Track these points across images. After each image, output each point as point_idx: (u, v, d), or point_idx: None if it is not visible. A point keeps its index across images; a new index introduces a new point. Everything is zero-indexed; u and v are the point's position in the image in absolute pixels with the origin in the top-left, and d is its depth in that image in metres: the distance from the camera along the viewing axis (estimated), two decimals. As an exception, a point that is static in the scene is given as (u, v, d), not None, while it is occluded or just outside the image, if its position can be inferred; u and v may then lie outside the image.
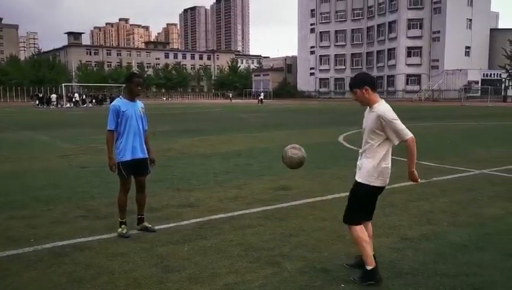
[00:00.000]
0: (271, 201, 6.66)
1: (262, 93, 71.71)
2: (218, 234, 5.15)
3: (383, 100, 3.84)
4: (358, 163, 3.95)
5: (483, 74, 71.26)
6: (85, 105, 56.14)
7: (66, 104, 54.20)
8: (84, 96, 61.67)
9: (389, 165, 3.86)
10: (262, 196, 7.01)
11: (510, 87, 66.26)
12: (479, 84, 68.97)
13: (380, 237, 4.99)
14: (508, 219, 5.73)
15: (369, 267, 3.81)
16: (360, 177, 3.85)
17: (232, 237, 5.04)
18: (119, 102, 5.12)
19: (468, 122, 23.50)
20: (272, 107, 46.75)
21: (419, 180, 3.89)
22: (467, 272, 4.05)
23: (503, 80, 66.35)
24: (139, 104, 5.29)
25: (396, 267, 4.14)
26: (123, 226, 5.15)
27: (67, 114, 36.03)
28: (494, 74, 70.43)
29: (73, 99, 55.82)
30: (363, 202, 3.90)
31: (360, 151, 3.96)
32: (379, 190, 3.87)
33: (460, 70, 70.64)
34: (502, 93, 63.81)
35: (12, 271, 4.09)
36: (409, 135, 3.68)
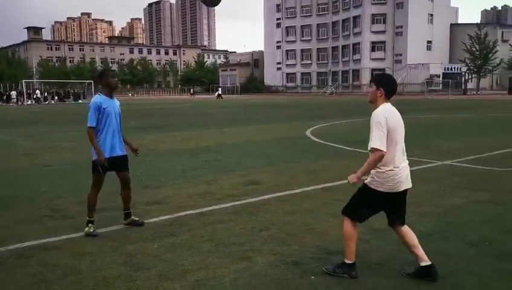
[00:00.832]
0: (240, 196, 6.66)
1: (220, 89, 70.95)
2: (187, 230, 5.12)
3: (389, 105, 3.75)
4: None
5: (444, 68, 73.33)
6: (47, 102, 54.49)
7: (26, 101, 52.46)
8: (45, 93, 59.80)
9: (397, 170, 3.69)
10: (231, 191, 7.01)
11: (470, 81, 68.53)
12: (441, 77, 70.94)
13: (348, 229, 5.08)
14: (469, 208, 5.93)
15: (348, 261, 3.83)
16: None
17: (202, 233, 5.02)
18: (100, 98, 5.06)
19: (430, 115, 24.16)
20: (240, 102, 46.70)
21: (350, 182, 3.75)
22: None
23: (463, 73, 68.51)
24: (116, 101, 5.26)
25: (364, 258, 4.22)
26: (90, 225, 5.03)
27: (28, 111, 34.90)
28: (454, 68, 72.61)
29: (35, 96, 54.07)
30: (362, 200, 3.82)
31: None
32: (388, 195, 3.72)
33: (423, 64, 72.43)
34: (462, 87, 65.87)
35: (-26, 275, 3.95)
36: (376, 146, 3.55)
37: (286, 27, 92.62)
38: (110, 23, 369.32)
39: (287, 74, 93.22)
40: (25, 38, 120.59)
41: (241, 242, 4.70)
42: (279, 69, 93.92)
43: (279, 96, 66.64)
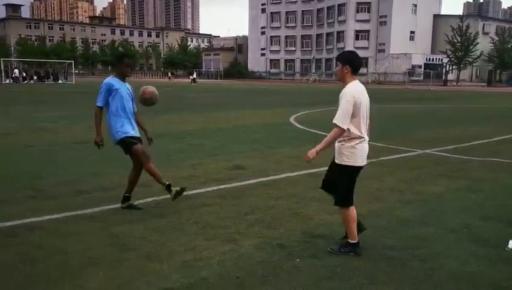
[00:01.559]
0: (225, 180, 6.71)
1: (195, 73, 70.47)
2: (173, 212, 5.15)
3: (357, 83, 3.94)
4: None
5: (426, 58, 74.07)
6: (25, 81, 53.31)
7: (4, 81, 51.23)
8: (24, 73, 58.44)
9: (363, 141, 3.94)
10: (216, 175, 7.04)
11: (450, 72, 69.40)
12: (422, 68, 71.71)
13: (331, 214, 5.16)
14: (449, 195, 6.10)
15: (353, 241, 4.07)
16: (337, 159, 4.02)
17: (188, 215, 5.06)
18: (112, 80, 5.16)
19: (411, 104, 24.48)
20: (224, 87, 46.47)
21: (307, 160, 3.93)
22: (413, 245, 4.30)
23: (444, 64, 69.32)
24: (128, 84, 5.33)
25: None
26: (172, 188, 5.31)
27: (7, 90, 34.13)
28: (436, 59, 73.39)
29: (13, 75, 52.82)
30: (347, 183, 4.04)
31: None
32: (359, 168, 4.00)
33: (405, 54, 73.02)
34: (443, 78, 66.71)
35: (-42, 253, 3.93)
36: (339, 122, 3.79)
37: (271, 13, 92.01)
38: (91, 2, 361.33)
39: (270, 60, 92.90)
40: (3, 15, 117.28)
41: (227, 225, 4.76)
42: (263, 55, 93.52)
43: (262, 82, 66.53)
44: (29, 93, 31.68)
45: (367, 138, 4.00)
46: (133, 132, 5.21)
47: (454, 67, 69.02)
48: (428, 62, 73.03)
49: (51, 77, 56.91)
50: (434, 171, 7.52)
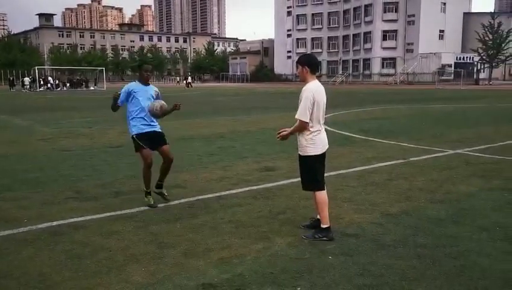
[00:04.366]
0: (256, 181, 6.86)
1: (190, 77, 70.20)
2: (208, 212, 5.34)
3: (315, 82, 4.47)
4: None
5: (457, 57, 72.61)
6: (59, 89, 55.00)
7: (39, 88, 52.97)
8: (57, 80, 60.29)
9: (321, 131, 4.50)
10: (247, 176, 7.21)
11: (482, 71, 67.83)
12: (452, 67, 70.30)
13: (362, 213, 5.27)
14: (481, 195, 6.07)
15: (325, 226, 4.46)
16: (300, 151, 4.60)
17: (222, 215, 5.23)
18: (133, 84, 5.81)
19: (442, 104, 24.12)
20: (250, 91, 46.72)
21: (281, 135, 4.55)
22: (444, 243, 4.34)
23: (476, 63, 67.83)
24: (153, 88, 5.89)
25: (379, 241, 4.41)
26: (148, 196, 5.68)
27: (42, 98, 35.32)
28: (466, 58, 71.87)
29: (48, 84, 54.59)
30: (313, 170, 4.58)
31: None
32: (322, 155, 4.54)
33: (435, 53, 71.79)
34: (474, 76, 65.27)
35: (11, 249, 4.20)
36: (301, 117, 4.35)
37: (297, 15, 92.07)
38: (120, 10, 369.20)
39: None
40: (37, 24, 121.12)
41: (260, 224, 4.91)
42: (289, 57, 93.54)
43: (289, 85, 66.54)
44: (63, 100, 32.72)
45: (323, 128, 4.56)
46: (148, 128, 5.67)
47: (486, 65, 67.41)
48: (459, 61, 71.54)
49: (83, 84, 58.52)
50: (465, 171, 7.47)
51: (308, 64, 4.47)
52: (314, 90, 4.39)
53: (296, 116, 4.40)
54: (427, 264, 3.87)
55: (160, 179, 5.83)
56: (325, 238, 4.39)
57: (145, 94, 5.70)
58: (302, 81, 4.54)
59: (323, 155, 4.55)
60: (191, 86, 59.84)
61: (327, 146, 4.59)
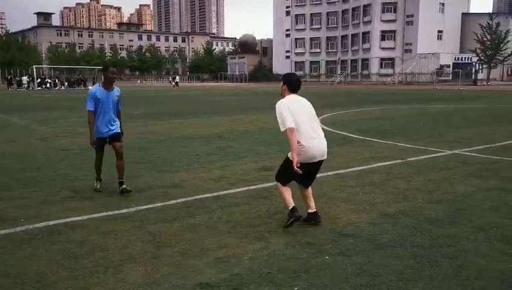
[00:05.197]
0: (254, 181, 6.86)
1: (177, 76, 70.77)
2: (205, 212, 5.33)
3: (292, 96, 4.74)
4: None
5: (455, 58, 72.73)
6: (57, 88, 54.90)
7: (37, 87, 52.89)
8: (56, 79, 60.20)
9: (306, 146, 4.55)
10: (245, 176, 7.20)
11: (480, 71, 67.93)
12: (451, 67, 70.40)
13: (360, 213, 5.27)
14: (478, 195, 6.08)
15: (290, 207, 4.67)
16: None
17: (219, 214, 5.23)
18: (96, 89, 6.11)
19: (440, 105, 24.15)
20: (249, 91, 46.72)
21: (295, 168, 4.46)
22: (441, 243, 4.35)
23: (474, 63, 67.91)
24: (115, 92, 6.20)
25: (376, 240, 4.41)
26: (98, 181, 6.30)
27: (40, 97, 35.27)
28: (465, 58, 71.97)
29: (47, 83, 54.51)
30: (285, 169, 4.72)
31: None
32: (305, 164, 4.56)
33: (433, 54, 71.88)
34: (473, 77, 65.36)
35: (8, 249, 4.19)
36: (281, 128, 4.56)
37: (296, 15, 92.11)
38: (118, 9, 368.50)
39: (295, 62, 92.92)
40: (35, 23, 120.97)
41: (257, 224, 4.90)
42: (287, 57, 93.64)
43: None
44: (61, 99, 32.67)
45: (318, 139, 4.68)
46: (108, 131, 6.16)
47: (484, 66, 67.52)
48: (457, 61, 71.65)
49: (82, 83, 58.42)
50: (463, 172, 7.48)
51: (287, 82, 4.78)
52: (287, 101, 4.64)
53: (282, 130, 4.58)
54: (424, 264, 3.88)
55: (120, 176, 6.18)
56: (293, 219, 4.61)
57: (107, 102, 6.05)
58: (281, 95, 4.84)
59: (308, 165, 4.61)
60: (177, 86, 61.44)
61: (317, 159, 4.66)
